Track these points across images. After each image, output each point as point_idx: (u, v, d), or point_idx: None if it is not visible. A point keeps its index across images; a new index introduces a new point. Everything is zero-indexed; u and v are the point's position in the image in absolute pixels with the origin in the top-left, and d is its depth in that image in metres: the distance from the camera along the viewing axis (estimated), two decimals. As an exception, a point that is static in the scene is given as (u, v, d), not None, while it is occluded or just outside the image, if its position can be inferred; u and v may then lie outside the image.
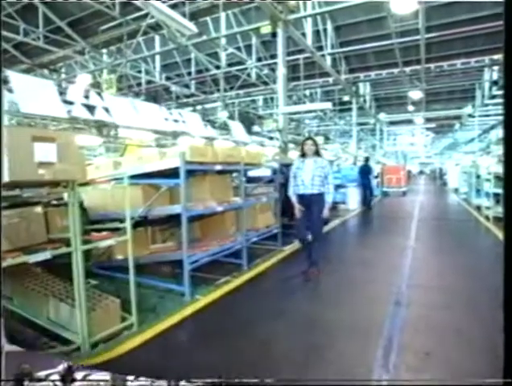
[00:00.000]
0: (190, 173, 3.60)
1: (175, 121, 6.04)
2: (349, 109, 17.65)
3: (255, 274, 4.47)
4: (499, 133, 19.22)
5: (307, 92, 16.11)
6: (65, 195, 3.04)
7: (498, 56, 11.93)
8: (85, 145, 6.47)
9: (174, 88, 14.06)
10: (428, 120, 21.06)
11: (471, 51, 12.31)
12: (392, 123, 23.23)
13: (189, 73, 14.00)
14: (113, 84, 6.96)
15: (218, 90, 14.84)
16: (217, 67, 12.83)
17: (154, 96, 13.59)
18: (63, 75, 13.50)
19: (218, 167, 3.89)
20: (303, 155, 4.27)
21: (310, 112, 17.06)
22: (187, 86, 14.70)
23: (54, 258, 2.37)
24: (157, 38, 11.67)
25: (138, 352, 2.60)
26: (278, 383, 2.02)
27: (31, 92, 3.91)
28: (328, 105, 8.91)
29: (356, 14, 10.96)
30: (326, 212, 4.17)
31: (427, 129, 24.24)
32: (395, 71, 13.52)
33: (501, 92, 14.74)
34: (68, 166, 2.18)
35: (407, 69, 13.40)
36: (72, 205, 2.37)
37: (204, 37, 9.62)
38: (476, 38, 11.52)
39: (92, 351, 2.53)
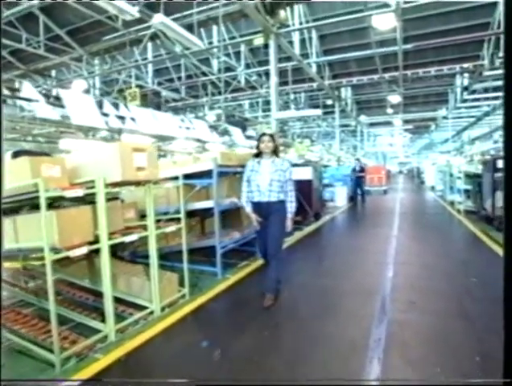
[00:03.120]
0: (219, 174, 4.49)
1: (187, 128, 6.89)
2: (332, 112, 18.88)
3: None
4: (471, 134, 21.00)
5: (292, 96, 17.22)
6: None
7: (468, 64, 13.40)
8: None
9: (164, 92, 14.77)
10: (406, 121, 22.65)
11: (443, 59, 13.72)
12: (372, 125, 24.72)
13: (179, 78, 14.77)
14: (136, 96, 7.73)
15: (207, 94, 15.72)
16: (205, 74, 13.64)
17: (145, 100, 14.26)
18: (52, 81, 14.00)
19: (239, 169, 4.78)
20: (259, 154, 3.63)
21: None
22: (177, 90, 15.45)
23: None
24: (149, 44, 12.39)
25: (194, 315, 3.47)
26: (278, 383, 2.32)
27: (78, 106, 4.69)
28: (318, 112, 9.93)
29: (339, 25, 12.10)
30: (289, 224, 3.58)
31: (405, 130, 25.90)
32: (375, 77, 14.76)
33: (471, 97, 16.38)
34: (152, 170, 3.04)
35: (386, 75, 14.67)
36: (149, 198, 3.23)
37: (202, 47, 10.42)
38: (448, 48, 12.94)
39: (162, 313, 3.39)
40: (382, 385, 2.27)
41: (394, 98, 16.38)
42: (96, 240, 2.78)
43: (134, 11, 5.19)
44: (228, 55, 13.17)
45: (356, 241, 6.90)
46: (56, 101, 4.53)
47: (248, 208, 3.65)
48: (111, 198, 3.30)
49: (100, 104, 5.24)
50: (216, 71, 13.29)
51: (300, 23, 11.04)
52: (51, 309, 2.48)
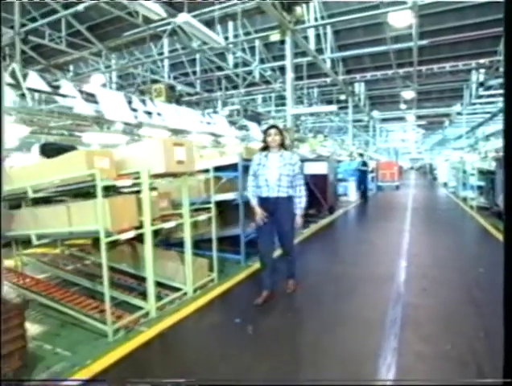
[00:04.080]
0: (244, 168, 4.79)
1: (208, 123, 7.22)
2: (345, 107, 19.02)
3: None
4: (486, 130, 20.94)
5: (305, 91, 17.41)
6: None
7: (484, 60, 13.44)
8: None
9: (180, 87, 15.10)
10: (419, 117, 22.64)
11: (459, 55, 13.76)
12: (385, 120, 24.76)
13: (194, 72, 15.08)
14: (162, 92, 8.08)
15: (220, 89, 16.02)
16: (220, 68, 13.91)
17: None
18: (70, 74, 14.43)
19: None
20: (266, 148, 3.56)
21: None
22: (191, 85, 15.76)
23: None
24: (165, 39, 12.70)
25: (222, 297, 3.81)
26: (278, 383, 2.33)
27: (110, 102, 5.04)
28: (334, 108, 10.17)
29: (353, 21, 12.24)
30: (299, 221, 3.54)
31: (418, 126, 25.86)
32: (389, 72, 14.88)
33: (486, 93, 16.38)
34: (189, 163, 3.37)
35: (401, 71, 14.76)
36: (185, 189, 3.57)
37: (223, 44, 10.66)
38: (463, 43, 12.99)
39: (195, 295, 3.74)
40: (383, 385, 2.31)
41: (408, 94, 16.44)
42: (140, 226, 3.12)
43: (161, 11, 5.49)
44: (243, 50, 13.42)
45: (369, 234, 7.18)
46: (90, 97, 4.90)
47: (254, 201, 3.53)
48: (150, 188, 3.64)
49: (129, 100, 5.58)
50: (231, 66, 13.54)
51: (315, 19, 11.22)
52: (104, 285, 2.83)
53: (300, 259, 5.16)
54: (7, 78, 4.66)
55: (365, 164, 12.72)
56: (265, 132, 3.61)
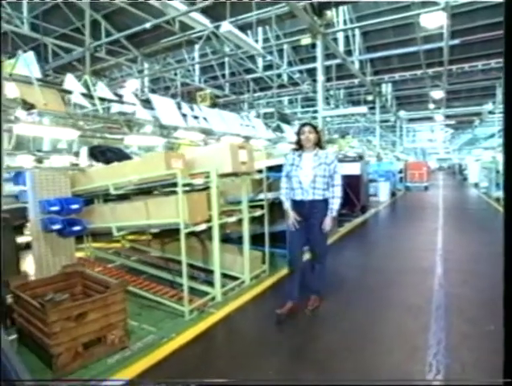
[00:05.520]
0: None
1: (247, 125, 7.70)
2: (372, 108, 19.16)
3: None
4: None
5: (332, 92, 17.70)
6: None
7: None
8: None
9: (209, 90, 15.69)
10: (448, 116, 22.50)
11: (490, 53, 13.75)
12: (411, 120, 24.69)
13: (223, 75, 15.65)
14: (206, 98, 8.65)
15: (248, 91, 16.52)
16: (248, 71, 14.40)
17: (192, 96, 15.25)
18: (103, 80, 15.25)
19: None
20: (300, 148, 3.36)
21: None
22: (220, 87, 16.34)
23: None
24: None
25: (275, 286, 4.23)
26: (278, 383, 2.41)
27: (164, 108, 5.56)
28: (364, 110, 10.47)
29: (383, 21, 12.48)
30: (328, 223, 3.26)
31: (447, 125, 25.63)
32: (418, 72, 14.99)
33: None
34: (250, 163, 3.82)
35: (430, 71, 14.85)
36: (245, 187, 4.02)
37: (261, 51, 11.06)
38: (495, 41, 13.00)
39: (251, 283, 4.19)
40: (384, 385, 2.37)
41: (437, 94, 16.47)
42: (208, 220, 3.58)
43: (206, 22, 5.98)
44: (271, 52, 13.87)
45: (403, 231, 7.49)
46: (147, 104, 5.47)
47: (286, 204, 3.36)
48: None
49: (179, 106, 6.12)
50: (261, 69, 14.02)
51: (344, 21, 11.54)
52: (183, 271, 3.31)
53: (341, 254, 5.57)
54: (81, 88, 5.28)
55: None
56: (298, 130, 3.39)
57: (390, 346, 2.81)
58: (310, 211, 3.25)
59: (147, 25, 7.49)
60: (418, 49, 12.67)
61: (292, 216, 3.29)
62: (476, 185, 18.00)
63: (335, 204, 3.26)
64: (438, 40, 12.38)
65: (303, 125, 3.39)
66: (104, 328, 2.70)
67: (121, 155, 7.43)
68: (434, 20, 9.34)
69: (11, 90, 3.99)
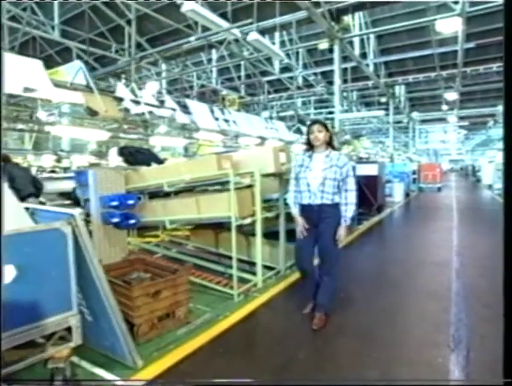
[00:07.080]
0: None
1: (271, 128, 8.24)
2: (385, 109, 19.58)
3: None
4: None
5: (345, 94, 18.15)
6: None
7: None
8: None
9: (225, 91, 16.26)
10: (461, 118, 22.81)
11: (506, 55, 14.06)
12: (424, 121, 25.05)
13: (239, 77, 16.19)
14: (235, 102, 9.20)
15: (263, 93, 17.05)
16: (264, 73, 14.93)
17: (212, 98, 15.84)
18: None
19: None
20: (311, 148, 3.16)
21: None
22: (236, 89, 16.90)
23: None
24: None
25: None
26: (278, 383, 2.44)
27: (199, 112, 6.12)
28: (381, 113, 10.94)
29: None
30: (342, 233, 3.07)
31: (460, 126, 25.93)
32: (432, 74, 15.37)
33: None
34: (287, 165, 4.33)
35: (444, 73, 15.21)
36: (281, 186, 4.54)
37: (283, 57, 11.47)
38: (511, 44, 13.34)
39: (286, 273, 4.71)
40: (383, 385, 2.38)
41: (451, 95, 16.83)
42: (252, 214, 4.10)
43: (237, 32, 6.51)
44: (288, 55, 14.38)
45: (419, 230, 7.99)
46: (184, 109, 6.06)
47: (295, 210, 3.19)
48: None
49: (211, 110, 6.68)
50: (277, 71, 14.53)
51: (360, 25, 11.99)
52: (233, 258, 3.84)
53: (362, 249, 6.07)
54: (130, 95, 5.88)
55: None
56: (308, 129, 3.20)
57: (417, 322, 3.33)
58: (319, 216, 3.06)
59: (192, 38, 8.03)
60: (432, 52, 13.07)
61: (301, 224, 3.12)
62: (489, 186, 18.33)
63: (348, 211, 3.07)
64: (453, 43, 12.72)
65: (312, 123, 3.21)
66: (173, 305, 3.23)
67: (150, 156, 8.01)
68: (449, 25, 9.73)
69: (77, 98, 4.55)
